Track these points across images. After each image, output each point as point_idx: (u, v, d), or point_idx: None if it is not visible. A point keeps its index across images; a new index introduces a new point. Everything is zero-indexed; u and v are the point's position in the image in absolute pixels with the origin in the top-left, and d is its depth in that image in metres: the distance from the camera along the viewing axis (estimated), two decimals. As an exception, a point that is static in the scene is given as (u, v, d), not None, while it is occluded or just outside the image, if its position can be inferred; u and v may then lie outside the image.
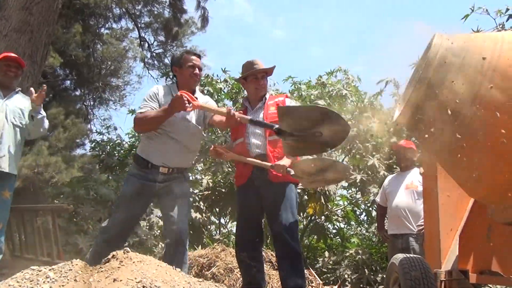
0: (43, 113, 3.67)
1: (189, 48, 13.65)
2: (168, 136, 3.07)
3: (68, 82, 12.99)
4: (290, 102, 3.30)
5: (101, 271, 1.93)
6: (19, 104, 3.68)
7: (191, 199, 3.32)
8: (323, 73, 7.03)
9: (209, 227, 6.50)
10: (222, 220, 6.59)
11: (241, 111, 3.20)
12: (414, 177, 4.28)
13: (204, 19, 11.51)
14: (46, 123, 3.75)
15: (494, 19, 5.16)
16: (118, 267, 1.93)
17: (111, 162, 6.86)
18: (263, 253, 3.67)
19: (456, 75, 1.74)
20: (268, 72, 3.32)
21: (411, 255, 2.55)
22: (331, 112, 2.60)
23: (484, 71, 1.70)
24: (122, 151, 7.19)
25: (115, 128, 13.28)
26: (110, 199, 5.50)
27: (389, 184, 4.50)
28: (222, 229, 6.46)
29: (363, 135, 6.13)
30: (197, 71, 3.17)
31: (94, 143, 7.49)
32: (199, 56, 3.23)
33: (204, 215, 6.05)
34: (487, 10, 5.07)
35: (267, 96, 3.31)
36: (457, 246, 2.48)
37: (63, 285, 1.82)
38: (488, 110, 1.70)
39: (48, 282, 1.83)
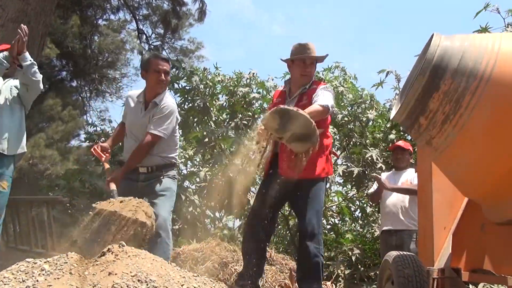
0: (31, 59, 3.38)
1: (187, 39, 13.64)
2: (132, 138, 3.20)
3: (64, 73, 12.92)
4: (320, 90, 3.03)
5: (96, 264, 1.94)
6: (14, 82, 3.65)
7: (173, 191, 3.35)
8: (321, 69, 6.99)
9: (205, 221, 6.49)
10: (217, 214, 6.58)
11: (281, 91, 3.26)
12: (410, 176, 4.30)
13: (202, 12, 11.44)
14: (38, 74, 3.46)
15: (504, 19, 5.11)
16: (114, 261, 1.94)
17: (105, 155, 6.79)
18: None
19: (453, 75, 1.75)
20: (319, 60, 3.22)
21: (404, 253, 2.57)
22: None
23: (481, 71, 1.71)
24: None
25: (110, 121, 13.12)
26: (105, 192, 5.48)
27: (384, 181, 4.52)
28: (217, 223, 6.46)
29: (361, 130, 6.13)
30: (162, 76, 3.11)
31: (88, 135, 7.43)
32: (167, 61, 3.16)
33: (199, 209, 6.04)
34: (498, 9, 5.01)
35: (308, 86, 3.13)
36: (450, 244, 2.50)
37: (58, 278, 1.82)
38: (485, 109, 1.71)
39: (43, 274, 1.84)
